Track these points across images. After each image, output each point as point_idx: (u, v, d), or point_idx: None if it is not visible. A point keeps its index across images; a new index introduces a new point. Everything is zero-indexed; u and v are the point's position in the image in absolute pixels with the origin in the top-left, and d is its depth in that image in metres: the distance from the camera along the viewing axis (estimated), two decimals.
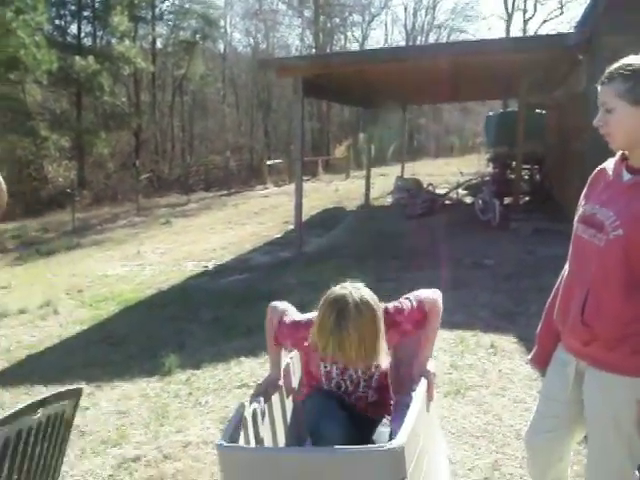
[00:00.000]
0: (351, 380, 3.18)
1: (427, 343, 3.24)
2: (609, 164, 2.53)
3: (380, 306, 2.96)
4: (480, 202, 14.58)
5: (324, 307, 2.87)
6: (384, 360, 3.05)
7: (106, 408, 5.52)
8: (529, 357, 2.95)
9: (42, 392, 6.09)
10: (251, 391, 3.19)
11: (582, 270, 2.46)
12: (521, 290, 8.01)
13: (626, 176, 2.41)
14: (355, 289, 2.89)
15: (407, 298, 3.25)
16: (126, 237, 18.70)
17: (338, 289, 2.91)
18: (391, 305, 3.19)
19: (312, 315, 3.14)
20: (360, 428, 3.06)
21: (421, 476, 2.75)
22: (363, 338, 2.80)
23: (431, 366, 3.14)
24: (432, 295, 3.26)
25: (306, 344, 3.08)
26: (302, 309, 6.34)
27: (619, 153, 2.48)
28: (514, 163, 14.68)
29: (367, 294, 2.90)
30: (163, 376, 6.15)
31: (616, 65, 2.36)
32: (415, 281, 8.67)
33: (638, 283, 2.29)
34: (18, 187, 29.02)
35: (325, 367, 3.17)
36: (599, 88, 2.40)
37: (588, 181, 2.62)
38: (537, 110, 17.41)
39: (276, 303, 3.38)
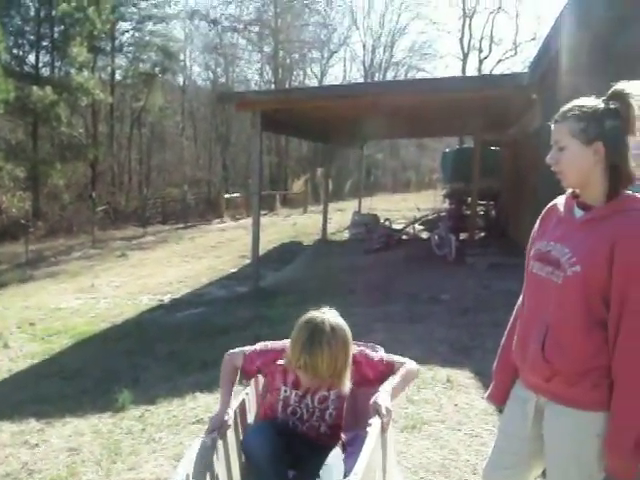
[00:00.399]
0: (307, 409, 3.26)
1: (394, 382, 3.23)
2: (560, 200, 2.57)
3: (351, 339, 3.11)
4: (436, 237, 14.69)
5: (301, 325, 3.05)
6: (345, 389, 3.16)
7: (57, 445, 5.39)
8: (486, 395, 2.95)
9: None
10: (206, 427, 3.15)
11: (540, 307, 2.48)
12: (477, 325, 8.06)
13: (578, 213, 2.45)
14: (332, 315, 3.09)
15: (377, 351, 3.30)
16: (81, 269, 18.45)
17: (316, 312, 3.09)
18: (357, 348, 3.27)
19: (283, 342, 3.28)
20: (311, 453, 3.13)
21: None
22: (335, 357, 2.99)
23: (387, 402, 3.12)
24: (406, 360, 3.35)
25: (278, 363, 3.23)
26: (258, 341, 6.34)
27: (569, 190, 2.53)
28: (470, 199, 14.85)
29: (342, 322, 3.10)
30: (116, 412, 6.04)
31: (569, 105, 2.42)
32: (373, 316, 8.74)
33: (597, 318, 2.32)
34: None
35: (285, 392, 3.24)
36: (552, 127, 2.45)
37: (539, 218, 2.65)
38: (492, 147, 17.70)
39: (234, 350, 3.39)
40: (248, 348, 3.38)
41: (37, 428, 5.89)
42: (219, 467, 3.09)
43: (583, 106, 2.39)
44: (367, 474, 2.57)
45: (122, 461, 4.82)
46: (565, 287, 2.36)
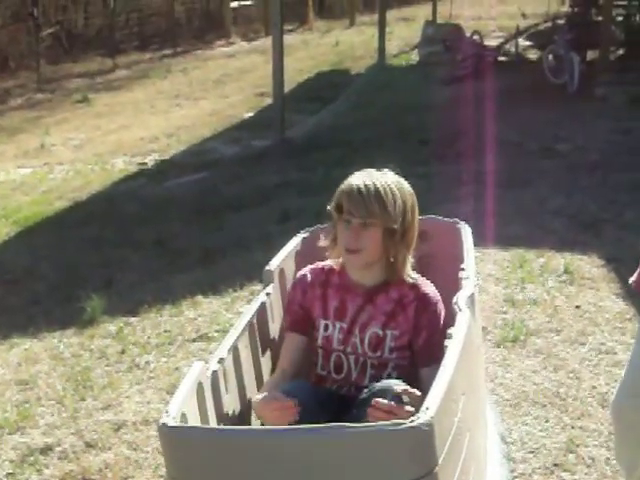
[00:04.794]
0: (355, 360, 3.34)
1: None
2: None
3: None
4: (551, 58, 14.45)
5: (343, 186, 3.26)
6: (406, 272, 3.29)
7: (1, 377, 5.57)
8: (632, 279, 2.94)
9: None
10: (212, 345, 3.24)
11: None
12: (610, 188, 8.00)
13: None
14: (382, 174, 3.27)
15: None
16: (23, 124, 18.56)
17: (358, 174, 3.28)
18: (435, 297, 3.34)
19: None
20: None
21: (459, 464, 2.78)
22: (393, 194, 3.20)
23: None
24: None
25: (315, 273, 3.48)
26: (285, 219, 6.47)
27: None
28: None
29: (402, 180, 3.31)
30: (83, 327, 6.19)
31: None
32: (455, 177, 8.71)
33: None
34: None
35: (325, 328, 3.36)
36: None
37: None
38: None
39: None
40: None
41: None
42: (230, 403, 3.17)
43: None
44: (446, 408, 2.61)
45: (94, 397, 4.98)
46: None
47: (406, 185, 3.29)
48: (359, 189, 3.14)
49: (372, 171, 3.25)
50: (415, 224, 3.31)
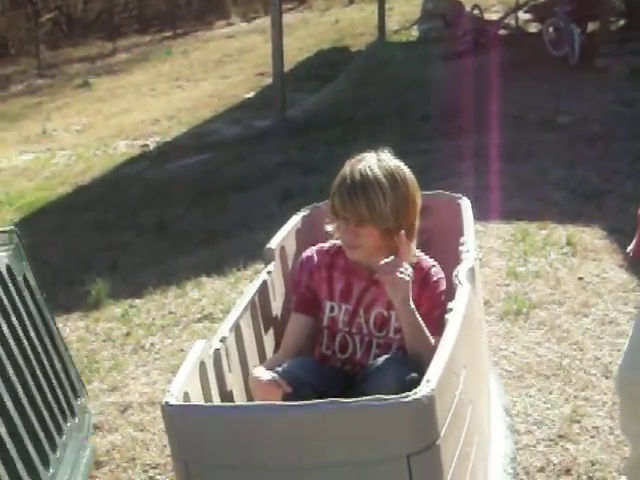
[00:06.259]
0: (361, 340, 3.31)
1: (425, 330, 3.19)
2: None
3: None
4: (551, 30, 14.37)
5: (337, 180, 3.19)
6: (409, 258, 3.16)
7: None
8: (630, 247, 2.94)
9: None
10: (216, 325, 3.23)
11: None
12: (613, 159, 7.97)
13: None
14: (388, 157, 3.20)
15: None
16: (25, 110, 18.52)
17: (351, 167, 3.17)
18: (431, 264, 3.31)
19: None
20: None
21: (462, 436, 2.78)
22: (383, 191, 3.09)
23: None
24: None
25: (320, 255, 3.44)
26: (288, 198, 6.41)
27: None
28: None
29: (402, 165, 3.21)
30: (88, 311, 6.21)
31: None
32: (457, 152, 8.69)
33: None
34: None
35: (331, 310, 3.34)
36: None
37: None
38: None
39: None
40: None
41: None
42: (233, 380, 3.17)
43: None
44: (447, 380, 2.60)
45: (100, 379, 5.00)
46: None
47: (402, 173, 3.19)
48: (349, 194, 3.10)
49: (367, 160, 3.16)
50: (416, 211, 3.23)
